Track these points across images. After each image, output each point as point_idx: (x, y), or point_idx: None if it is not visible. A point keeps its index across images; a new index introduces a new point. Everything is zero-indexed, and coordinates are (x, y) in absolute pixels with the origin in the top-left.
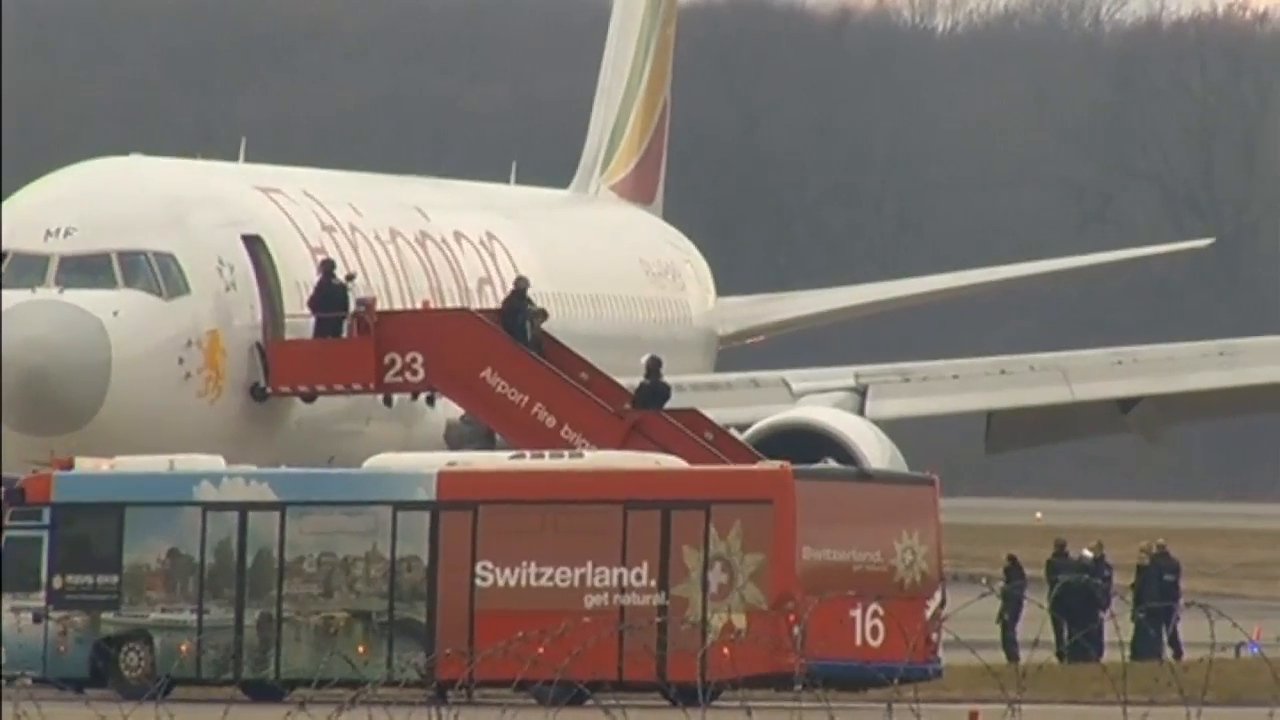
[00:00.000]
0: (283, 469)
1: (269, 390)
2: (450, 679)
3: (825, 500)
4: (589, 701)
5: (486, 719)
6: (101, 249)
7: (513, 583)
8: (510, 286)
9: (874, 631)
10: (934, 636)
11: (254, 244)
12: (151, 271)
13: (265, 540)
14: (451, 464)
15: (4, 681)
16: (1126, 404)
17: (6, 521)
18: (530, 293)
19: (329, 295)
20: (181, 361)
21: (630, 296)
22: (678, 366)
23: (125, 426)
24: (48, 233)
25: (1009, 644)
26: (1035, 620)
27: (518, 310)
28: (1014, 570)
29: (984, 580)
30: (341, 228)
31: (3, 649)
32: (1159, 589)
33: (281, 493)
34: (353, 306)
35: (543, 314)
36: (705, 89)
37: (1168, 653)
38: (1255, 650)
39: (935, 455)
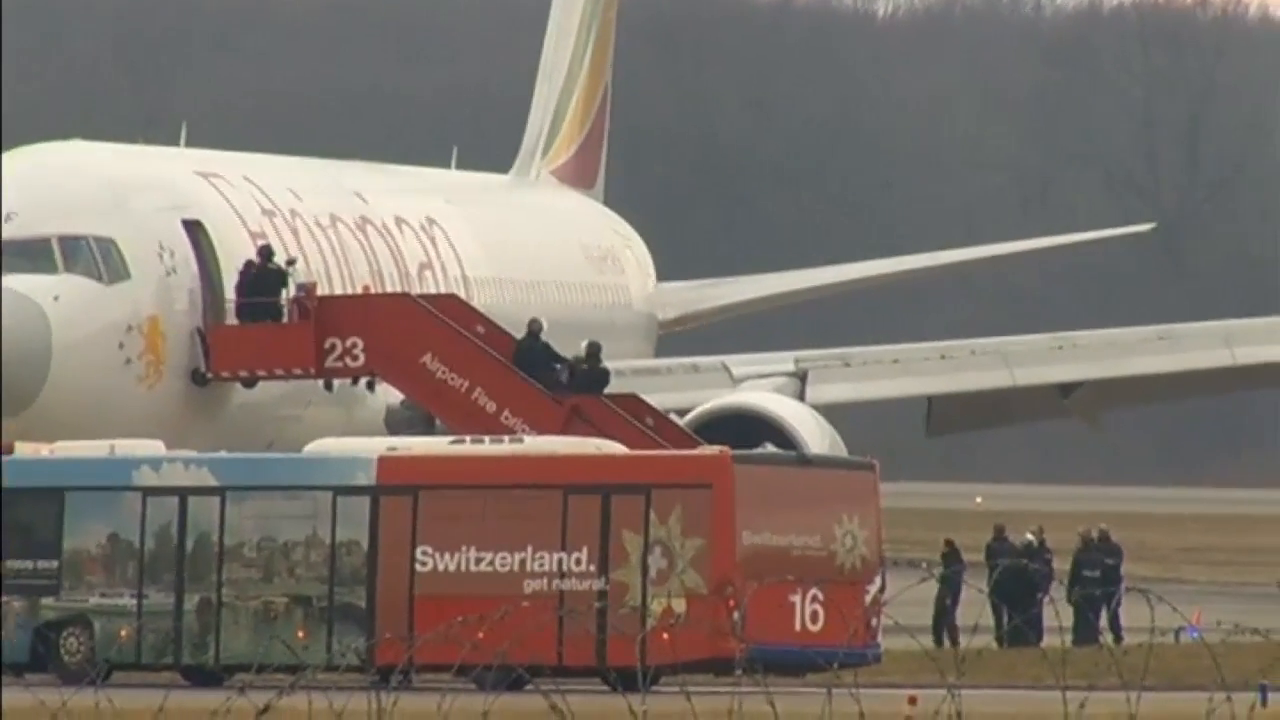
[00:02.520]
0: (223, 454)
1: (209, 375)
2: (390, 664)
3: (765, 485)
4: (528, 686)
5: (426, 704)
6: (42, 234)
7: (452, 567)
8: (451, 271)
9: (814, 616)
10: (874, 621)
11: (194, 229)
12: (92, 256)
13: (205, 525)
14: (392, 449)
15: None
16: (1067, 388)
17: None
18: (470, 277)
19: (264, 280)
20: (122, 346)
21: (571, 281)
22: (618, 351)
23: (65, 411)
24: None
25: (942, 629)
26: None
27: (530, 350)
28: (952, 555)
29: (924, 565)
30: (282, 212)
31: None
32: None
33: (221, 477)
34: (293, 292)
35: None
36: (647, 73)
37: (1107, 637)
38: (1195, 635)
39: (875, 440)
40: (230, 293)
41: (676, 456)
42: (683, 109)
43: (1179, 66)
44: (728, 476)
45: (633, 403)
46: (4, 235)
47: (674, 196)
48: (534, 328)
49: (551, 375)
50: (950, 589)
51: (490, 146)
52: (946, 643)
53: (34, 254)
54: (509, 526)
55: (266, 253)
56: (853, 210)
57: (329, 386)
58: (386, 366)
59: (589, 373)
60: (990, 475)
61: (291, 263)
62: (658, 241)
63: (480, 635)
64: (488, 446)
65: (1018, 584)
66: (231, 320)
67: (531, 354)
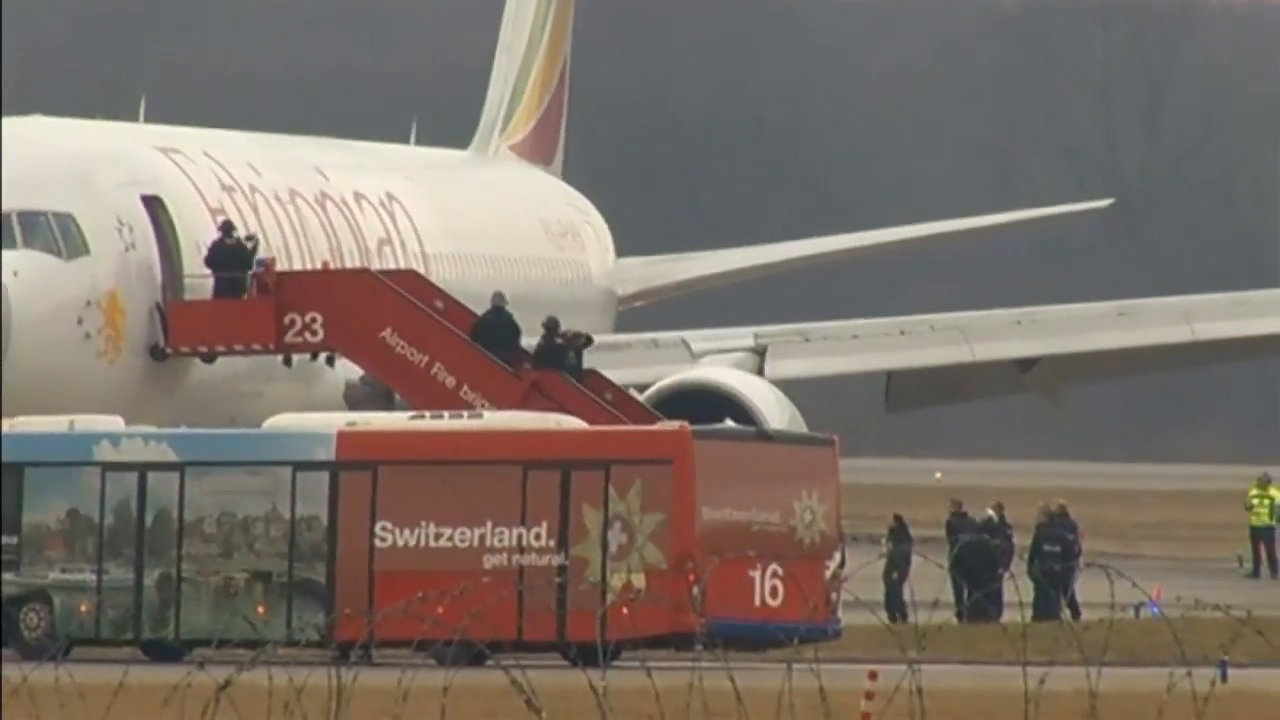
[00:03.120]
0: (182, 429)
1: (168, 350)
2: (350, 639)
3: (725, 460)
4: (489, 662)
5: (386, 680)
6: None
7: (412, 543)
8: (410, 246)
9: (773, 591)
10: (833, 597)
11: (153, 204)
12: (51, 232)
13: (165, 501)
14: (351, 424)
15: None
16: (1026, 364)
17: None
18: (429, 253)
19: (228, 255)
20: (81, 322)
21: (529, 257)
22: (577, 326)
23: (24, 387)
24: None
25: (895, 604)
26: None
27: (550, 347)
28: (900, 530)
29: (883, 540)
30: (241, 188)
31: None
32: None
33: (181, 453)
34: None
35: (589, 340)
36: (607, 48)
37: (1067, 613)
38: (1155, 610)
39: (835, 415)
40: (189, 268)
41: (636, 432)
42: (643, 84)
43: (1138, 43)
44: (687, 452)
45: (592, 378)
46: None
47: (633, 172)
48: (497, 301)
49: (515, 349)
50: (897, 565)
51: (449, 122)
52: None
53: None
54: (468, 502)
55: (227, 227)
56: (812, 186)
57: (288, 362)
58: (346, 342)
59: (548, 348)
60: (949, 451)
61: (250, 238)
62: (617, 217)
63: (440, 611)
64: (447, 422)
65: (978, 559)
66: (201, 296)
67: (495, 328)
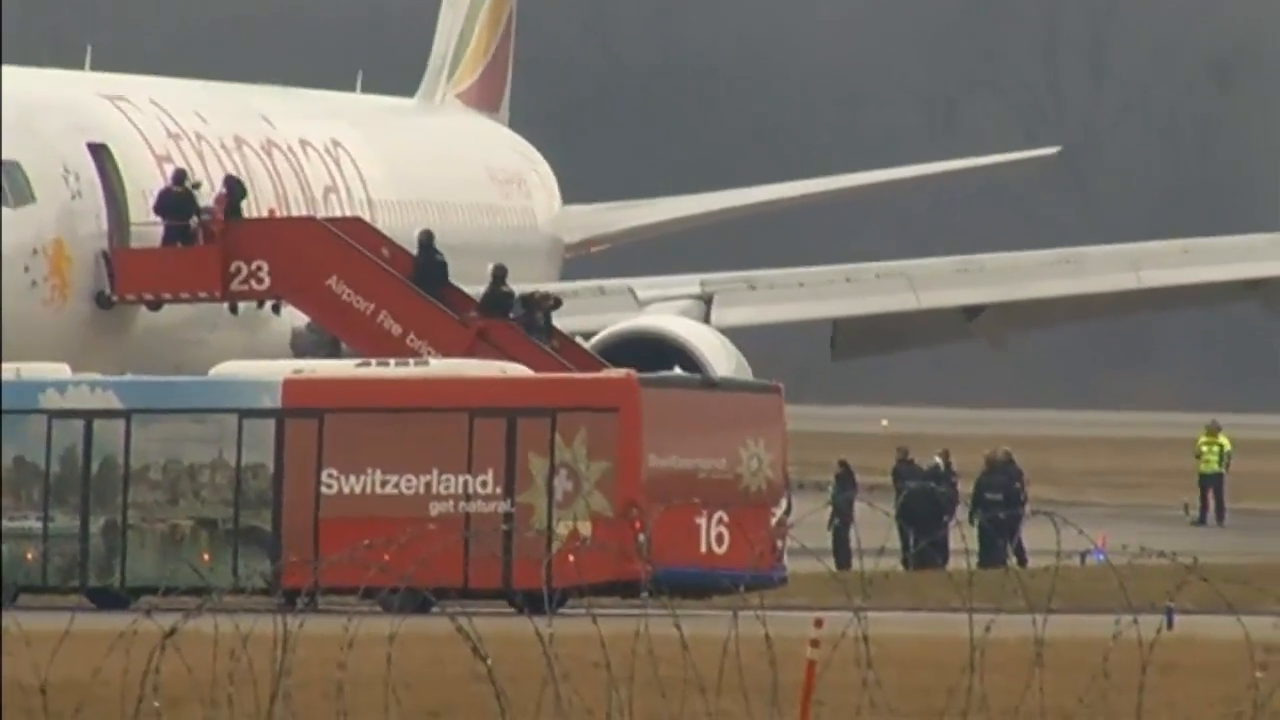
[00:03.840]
0: (128, 377)
1: (114, 298)
2: (296, 587)
3: (671, 408)
4: (434, 609)
5: (332, 627)
6: None
7: (358, 490)
8: (356, 194)
9: (719, 539)
10: (779, 544)
11: (100, 152)
12: None
13: (110, 448)
14: (297, 371)
15: None
16: (972, 311)
17: None
18: (375, 200)
19: (177, 202)
20: (27, 270)
21: (476, 204)
22: (523, 274)
23: None
24: None
25: (841, 551)
26: (880, 528)
27: (497, 295)
28: (846, 477)
29: (829, 487)
30: (187, 135)
31: None
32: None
33: (127, 400)
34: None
35: (557, 302)
36: None
37: (1013, 561)
38: (1101, 558)
39: (781, 363)
40: (135, 215)
41: (582, 379)
42: (589, 32)
43: None
44: (634, 399)
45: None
46: None
47: (579, 120)
48: (424, 239)
49: (451, 289)
50: (839, 512)
51: (395, 70)
52: (856, 564)
53: None
54: (414, 449)
55: (179, 176)
56: (758, 134)
57: (234, 310)
58: (291, 289)
59: (495, 296)
60: (895, 398)
61: (196, 186)
62: (563, 165)
63: (386, 558)
64: (393, 369)
65: (924, 507)
66: (149, 244)
67: (430, 268)
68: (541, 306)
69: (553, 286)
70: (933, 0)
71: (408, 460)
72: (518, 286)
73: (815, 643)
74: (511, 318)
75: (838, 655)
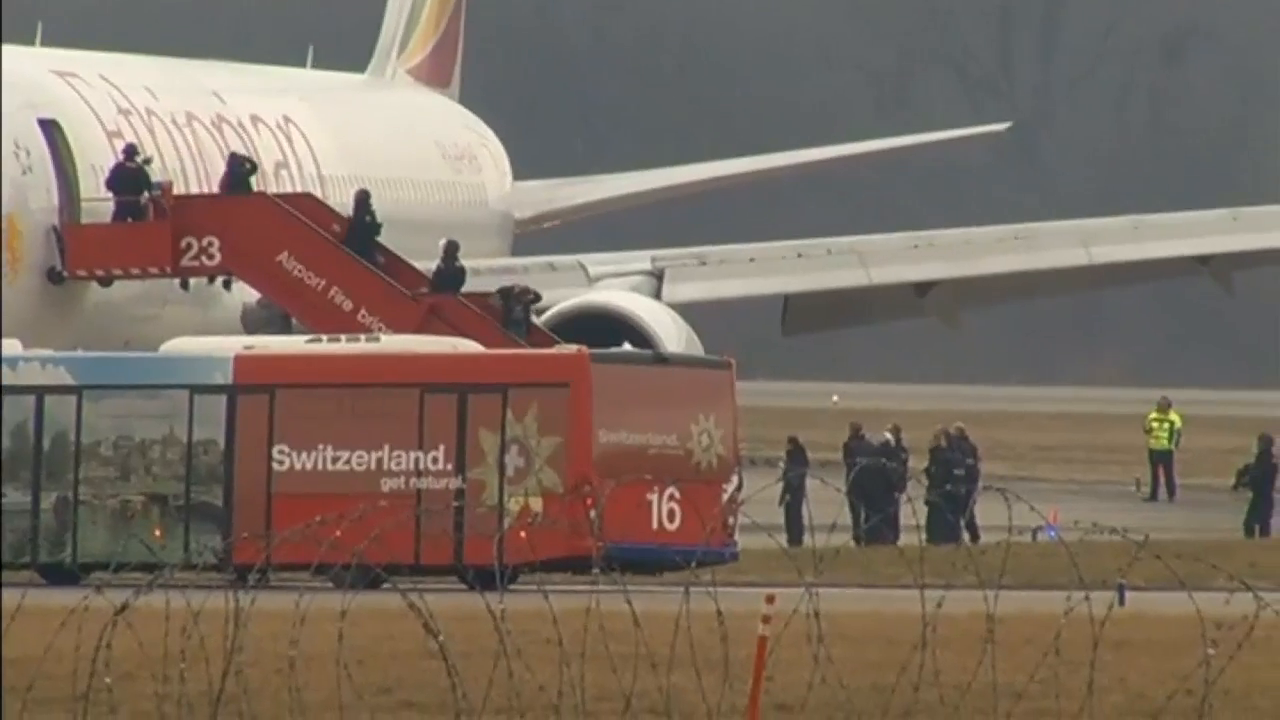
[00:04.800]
0: (79, 353)
1: (65, 274)
2: (247, 563)
3: (621, 384)
4: (386, 585)
5: (284, 603)
6: None
7: (310, 466)
8: (306, 169)
9: (670, 515)
10: (730, 520)
11: (50, 128)
12: None
13: (62, 424)
14: (248, 348)
15: None
16: (923, 288)
17: None
18: (326, 176)
19: (127, 179)
20: None
21: (426, 180)
22: (474, 250)
23: None
24: None
25: (794, 527)
26: (832, 504)
27: (449, 271)
28: (797, 453)
29: (780, 464)
30: (138, 111)
31: None
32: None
33: (78, 376)
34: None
35: (536, 296)
36: None
37: (965, 536)
38: (1052, 534)
39: (732, 339)
40: (85, 191)
41: (533, 355)
42: (539, 8)
43: None
44: (585, 375)
45: (490, 302)
46: None
47: (530, 95)
48: (360, 198)
49: (378, 248)
50: (791, 488)
51: (346, 46)
52: (807, 540)
53: None
54: (366, 425)
55: (130, 151)
56: (709, 109)
57: (185, 285)
58: (243, 265)
59: (446, 271)
60: (847, 374)
61: (147, 161)
62: (514, 140)
63: (338, 534)
64: (344, 345)
65: (875, 483)
66: (100, 220)
67: (362, 228)
68: (521, 300)
69: (503, 262)
70: None
71: (359, 436)
72: (468, 261)
73: (767, 619)
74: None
75: (789, 631)
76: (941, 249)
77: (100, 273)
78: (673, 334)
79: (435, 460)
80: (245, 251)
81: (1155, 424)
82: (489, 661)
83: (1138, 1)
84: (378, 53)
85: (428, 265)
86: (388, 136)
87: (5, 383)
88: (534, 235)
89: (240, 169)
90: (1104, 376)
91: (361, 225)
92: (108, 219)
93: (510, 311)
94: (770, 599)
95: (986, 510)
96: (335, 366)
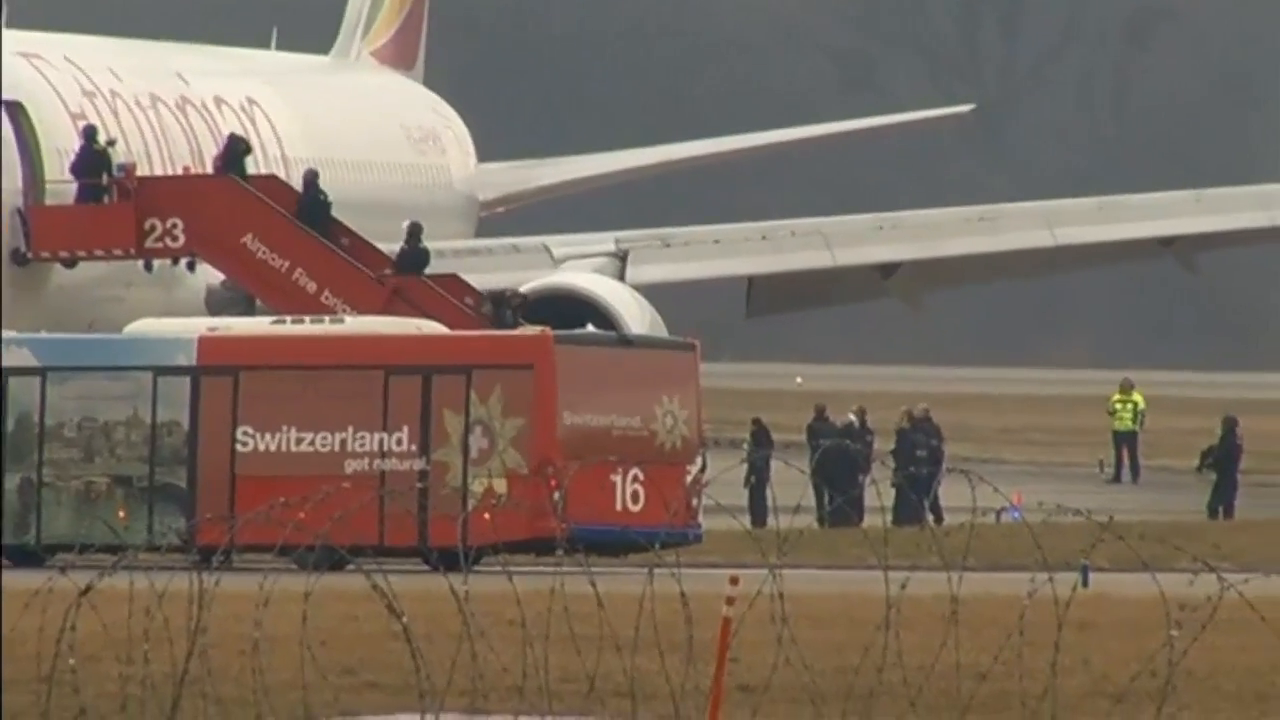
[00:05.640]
0: (43, 334)
1: (29, 255)
2: (211, 544)
3: (586, 365)
4: (350, 567)
5: (247, 584)
6: None
7: (273, 448)
8: (271, 151)
9: (635, 496)
10: (694, 501)
11: (14, 110)
12: None
13: (25, 405)
14: (212, 329)
15: None
16: (887, 269)
17: None
18: (290, 157)
19: (91, 161)
20: None
21: (391, 162)
22: (439, 232)
23: None
24: None
25: (758, 508)
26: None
27: (414, 253)
28: (761, 435)
29: (744, 445)
30: (102, 93)
31: None
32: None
33: (42, 358)
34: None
35: (525, 300)
36: None
37: (929, 518)
38: (1016, 515)
39: (696, 320)
40: (50, 173)
41: (497, 337)
42: None
43: None
44: (549, 357)
45: (454, 283)
46: None
47: (494, 77)
48: (308, 177)
49: (333, 223)
50: (755, 470)
51: (310, 28)
52: (771, 522)
53: None
54: (330, 407)
55: (90, 133)
56: (674, 91)
57: (149, 267)
58: (207, 247)
59: (410, 253)
60: (811, 356)
61: (111, 143)
62: (478, 122)
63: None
64: (308, 327)
65: (839, 464)
66: (64, 202)
67: (313, 206)
68: (510, 304)
69: (467, 244)
70: None
71: (323, 418)
72: (432, 243)
73: (731, 600)
74: (481, 314)
75: (753, 613)
76: (906, 230)
77: (64, 254)
78: (637, 316)
79: (399, 442)
80: (209, 233)
81: (1119, 405)
82: (453, 643)
83: None
84: (342, 35)
85: (392, 247)
86: (352, 118)
87: None
88: (498, 217)
89: (237, 148)
90: (1068, 358)
91: (312, 204)
92: (72, 201)
93: (502, 317)
94: (734, 580)
95: (950, 492)
96: (299, 348)
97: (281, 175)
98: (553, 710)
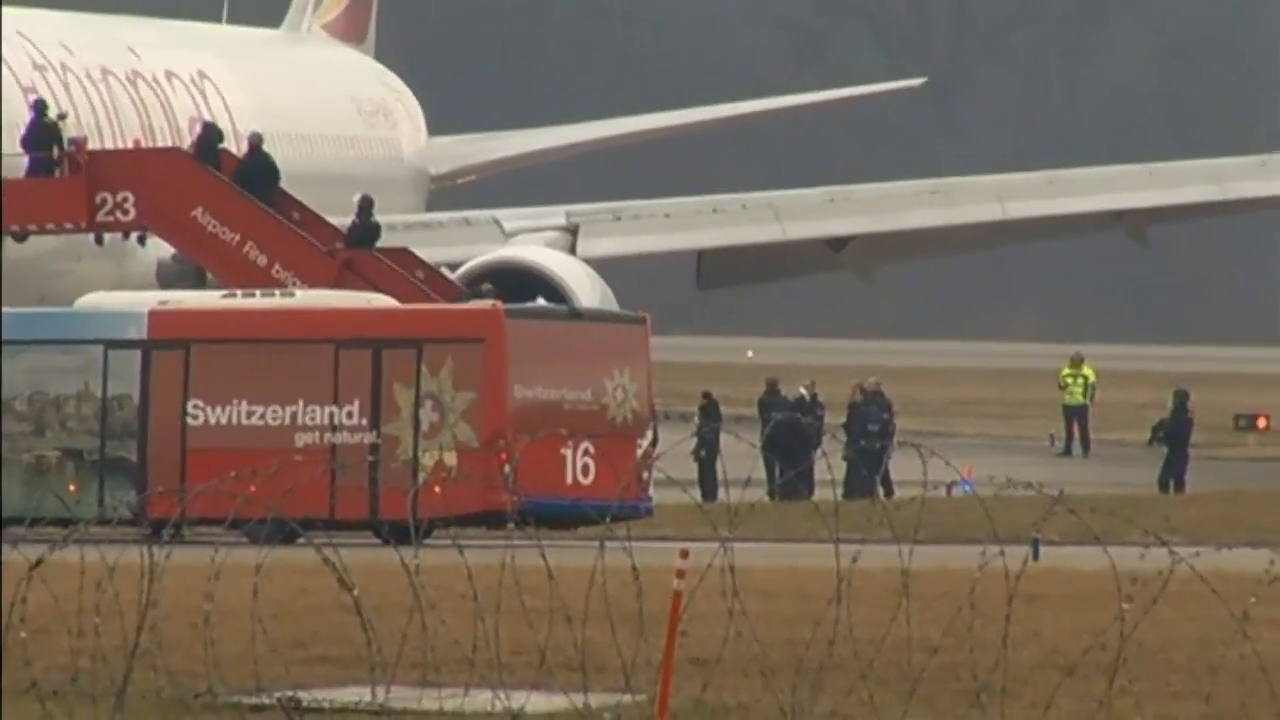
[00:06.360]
0: None
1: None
2: (162, 517)
3: (536, 339)
4: (301, 540)
5: (199, 557)
6: None
7: (224, 421)
8: (222, 125)
9: (585, 470)
10: (645, 475)
11: None
12: None
13: None
14: (163, 303)
15: None
16: (839, 243)
17: None
18: (241, 131)
19: (42, 135)
20: None
21: (342, 135)
22: (390, 205)
23: None
24: None
25: (708, 482)
26: (747, 458)
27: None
28: (710, 408)
29: (694, 419)
30: (53, 67)
31: None
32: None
33: None
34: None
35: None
36: None
37: (879, 491)
38: (967, 489)
39: (647, 294)
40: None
41: (448, 311)
42: None
43: None
44: (499, 330)
45: (404, 257)
46: None
47: (445, 50)
48: (253, 141)
49: (277, 191)
50: (705, 443)
51: (261, 2)
52: (722, 496)
53: None
54: (281, 380)
55: (40, 107)
56: (624, 64)
57: (100, 241)
58: (157, 220)
59: (361, 227)
60: (762, 329)
61: (62, 117)
62: (429, 96)
63: (252, 489)
64: (259, 300)
65: (790, 438)
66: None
67: (253, 169)
68: (487, 299)
69: (418, 217)
70: None
71: (274, 391)
72: (383, 217)
73: (681, 573)
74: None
75: (704, 586)
76: (857, 204)
77: (14, 228)
78: (588, 289)
79: (350, 415)
80: (160, 207)
81: (1069, 379)
82: (404, 616)
83: None
84: (293, 8)
85: (343, 221)
86: (303, 92)
87: None
88: (450, 190)
89: (210, 136)
90: (1019, 332)
91: (256, 166)
92: (22, 175)
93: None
94: (685, 554)
95: (901, 465)
96: (250, 322)
97: (232, 149)
98: (503, 682)
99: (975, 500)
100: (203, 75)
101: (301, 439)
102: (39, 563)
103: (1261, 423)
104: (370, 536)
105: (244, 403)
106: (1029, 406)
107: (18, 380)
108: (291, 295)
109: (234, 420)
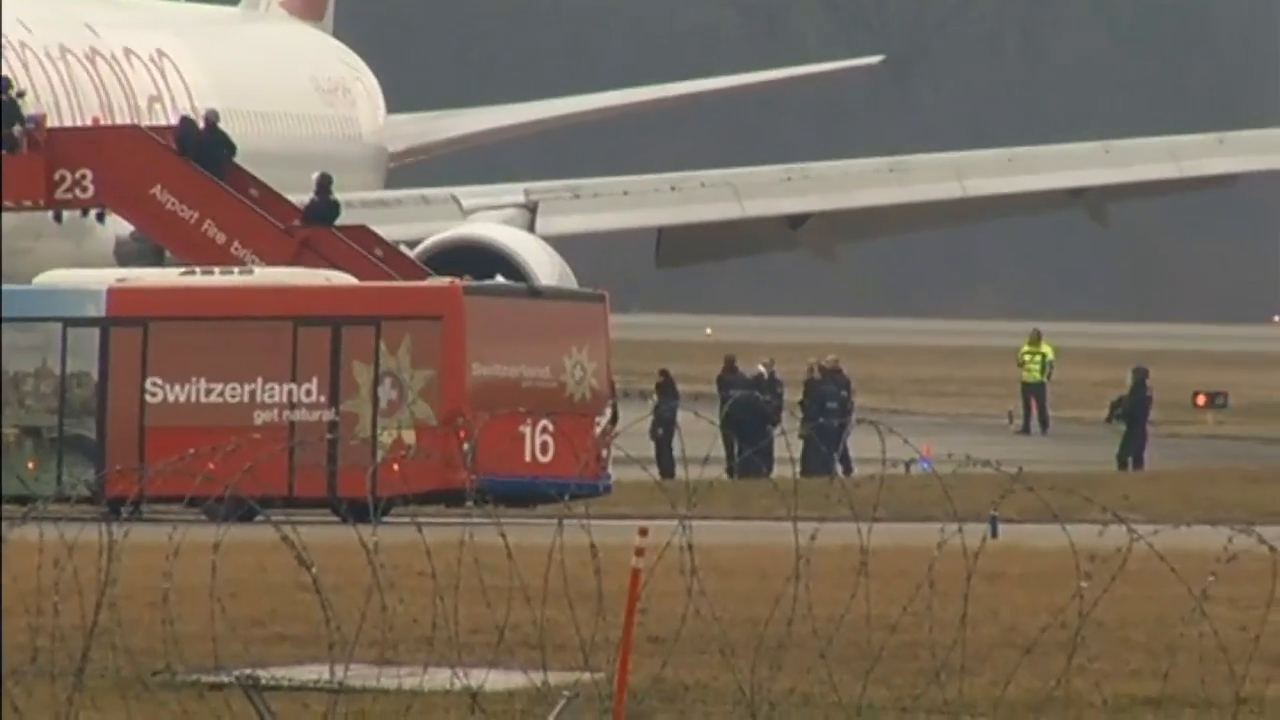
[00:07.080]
0: None
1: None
2: (121, 495)
3: (495, 316)
4: (259, 518)
5: (157, 535)
6: None
7: (183, 399)
8: (180, 103)
9: (544, 448)
10: (604, 453)
11: None
12: None
13: None
14: (121, 280)
15: None
16: (797, 220)
17: None
18: (199, 108)
19: (2, 111)
20: None
21: (300, 113)
22: (348, 183)
23: None
24: None
25: (666, 460)
26: (706, 436)
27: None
28: (667, 386)
29: (653, 397)
30: (12, 45)
31: None
32: (835, 405)
33: None
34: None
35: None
36: None
37: (838, 469)
38: (926, 466)
39: (605, 271)
40: None
41: (406, 288)
42: None
43: None
44: (458, 308)
45: (363, 234)
46: None
47: (403, 29)
48: (210, 117)
49: (230, 166)
50: (663, 421)
51: None
52: (681, 473)
53: None
54: (239, 358)
55: (2, 84)
56: (582, 41)
57: (59, 218)
58: (116, 198)
59: (319, 204)
60: (720, 307)
61: (21, 95)
62: (387, 74)
63: (211, 467)
64: (217, 278)
65: (749, 415)
66: None
67: (211, 147)
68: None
69: (376, 195)
70: None
71: (232, 369)
72: (341, 194)
73: (640, 551)
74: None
75: (662, 564)
76: (815, 181)
77: None
78: (546, 267)
79: (309, 393)
80: (118, 184)
81: (1027, 357)
82: (362, 594)
83: None
84: None
85: (301, 199)
86: (261, 70)
87: None
88: (408, 168)
89: (188, 130)
90: (977, 310)
91: (211, 143)
92: None
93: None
94: (643, 532)
95: (860, 443)
96: (208, 299)
97: None
98: (462, 661)
99: (934, 478)
100: (161, 54)
101: (260, 417)
102: None
103: (1200, 400)
104: (329, 515)
105: (203, 380)
106: (987, 384)
107: None
108: (250, 273)
109: (193, 398)
